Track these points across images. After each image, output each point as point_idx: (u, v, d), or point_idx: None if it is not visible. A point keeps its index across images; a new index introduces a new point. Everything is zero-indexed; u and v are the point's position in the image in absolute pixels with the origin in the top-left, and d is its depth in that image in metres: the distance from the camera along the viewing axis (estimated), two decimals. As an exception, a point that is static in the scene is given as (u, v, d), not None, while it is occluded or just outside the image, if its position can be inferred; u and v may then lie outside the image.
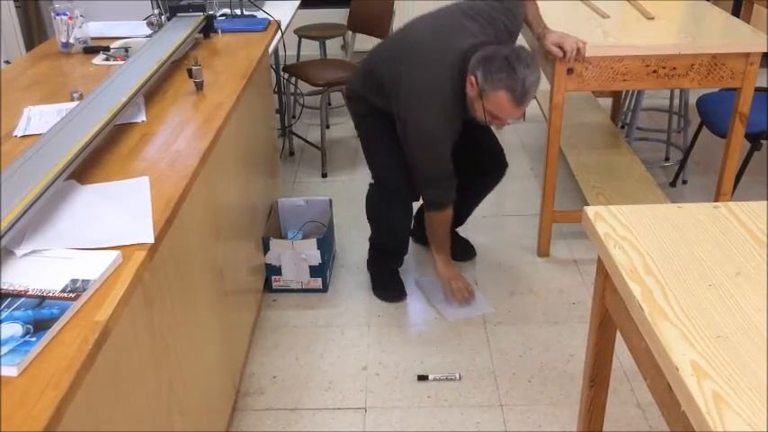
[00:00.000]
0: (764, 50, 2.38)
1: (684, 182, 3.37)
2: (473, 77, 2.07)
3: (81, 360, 0.98)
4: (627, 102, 3.82)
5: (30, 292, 1.11)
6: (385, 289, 2.59)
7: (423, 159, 2.23)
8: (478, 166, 2.52)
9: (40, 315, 1.05)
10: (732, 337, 1.02)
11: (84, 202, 1.38)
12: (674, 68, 2.41)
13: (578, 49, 2.34)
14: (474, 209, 2.76)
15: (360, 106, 2.41)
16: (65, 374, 0.95)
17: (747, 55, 2.38)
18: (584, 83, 2.46)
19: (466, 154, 2.41)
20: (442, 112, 2.14)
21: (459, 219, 2.76)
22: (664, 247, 1.25)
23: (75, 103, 1.81)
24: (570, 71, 2.42)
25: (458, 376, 2.18)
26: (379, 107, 2.31)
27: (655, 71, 2.42)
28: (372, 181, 2.50)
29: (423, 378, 2.18)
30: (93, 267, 1.16)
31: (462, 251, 2.81)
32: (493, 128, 2.35)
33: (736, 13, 4.36)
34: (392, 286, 2.61)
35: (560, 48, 2.35)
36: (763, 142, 2.75)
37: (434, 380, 2.18)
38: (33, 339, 1.00)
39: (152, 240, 1.26)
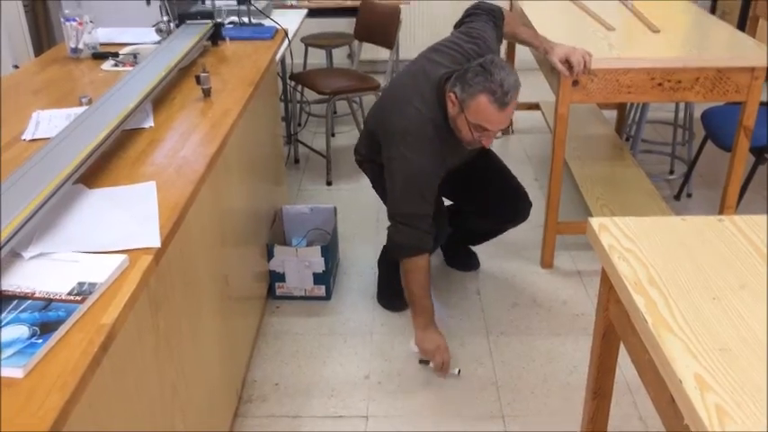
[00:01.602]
0: (770, 65, 2.38)
1: (689, 195, 3.37)
2: (452, 94, 2.05)
3: (86, 362, 0.99)
4: (632, 114, 3.82)
5: (36, 295, 1.11)
6: (389, 297, 2.59)
7: (406, 196, 2.13)
8: (498, 211, 2.53)
9: (47, 317, 1.06)
10: (736, 350, 1.02)
11: (92, 206, 1.39)
12: (679, 81, 2.42)
13: (585, 63, 2.34)
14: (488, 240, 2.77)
15: (371, 166, 2.42)
16: (70, 376, 0.96)
17: (752, 69, 2.39)
18: (590, 95, 2.47)
19: (483, 199, 2.48)
20: (426, 145, 2.10)
21: (471, 241, 2.79)
22: (668, 259, 1.25)
23: (84, 107, 1.83)
24: (575, 83, 2.43)
25: (457, 372, 2.19)
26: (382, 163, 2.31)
27: (660, 84, 2.42)
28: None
29: (424, 362, 2.22)
30: (100, 270, 1.17)
31: (466, 261, 2.81)
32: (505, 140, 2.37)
33: (741, 27, 4.37)
34: (397, 294, 2.60)
35: (567, 62, 2.35)
36: (768, 156, 2.76)
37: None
38: (40, 341, 1.01)
39: (158, 245, 1.27)
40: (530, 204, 2.53)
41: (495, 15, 2.36)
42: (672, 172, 3.60)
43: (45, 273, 1.17)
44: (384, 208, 2.41)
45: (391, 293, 2.60)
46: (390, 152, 2.15)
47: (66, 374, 0.96)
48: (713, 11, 5.00)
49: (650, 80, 2.42)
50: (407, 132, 2.11)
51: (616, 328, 1.37)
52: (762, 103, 2.49)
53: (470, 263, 2.81)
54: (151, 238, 1.28)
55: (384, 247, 2.65)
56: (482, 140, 2.10)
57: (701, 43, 2.59)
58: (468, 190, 2.50)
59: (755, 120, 2.48)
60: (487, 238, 2.76)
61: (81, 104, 1.90)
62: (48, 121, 1.80)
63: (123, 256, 1.21)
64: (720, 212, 2.66)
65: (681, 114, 3.58)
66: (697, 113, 3.23)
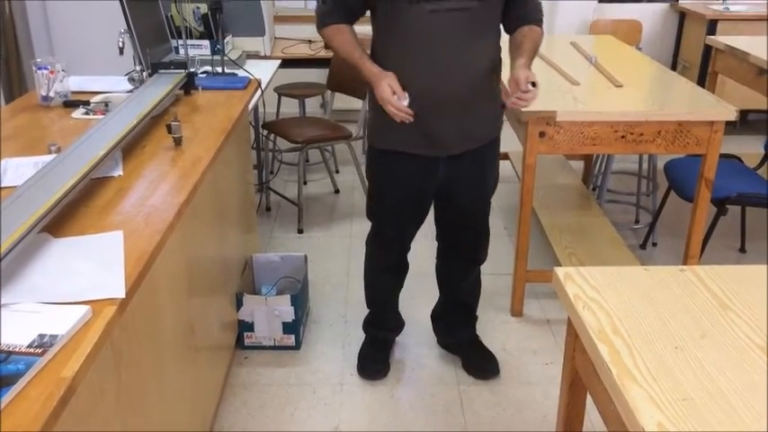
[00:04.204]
0: (728, 119, 2.47)
1: (654, 244, 3.43)
2: None
3: (45, 417, 0.96)
4: (598, 165, 3.91)
5: (-5, 347, 1.09)
6: (365, 363, 2.49)
7: None
8: (456, 247, 2.40)
9: (6, 371, 1.03)
10: (698, 399, 1.03)
11: (57, 256, 1.37)
12: (642, 134, 2.49)
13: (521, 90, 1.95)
14: (472, 295, 2.52)
15: None
16: (27, 432, 0.93)
17: (712, 123, 2.47)
18: (556, 146, 2.52)
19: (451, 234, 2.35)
20: None
21: (465, 309, 2.54)
22: (631, 308, 1.27)
23: (53, 155, 1.82)
24: (542, 134, 2.49)
25: (405, 98, 1.97)
26: None
27: (623, 136, 2.49)
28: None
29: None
30: (62, 322, 1.15)
31: (483, 366, 2.48)
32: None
33: (701, 82, 4.54)
34: (372, 360, 2.50)
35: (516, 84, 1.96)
36: (729, 207, 2.83)
37: None
38: (-3, 395, 0.98)
39: (123, 295, 1.26)
40: (480, 255, 2.42)
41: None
42: (637, 221, 3.67)
43: (6, 324, 1.15)
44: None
45: (367, 360, 2.50)
46: None
47: (23, 430, 0.94)
48: (674, 67, 5.20)
49: (614, 133, 2.49)
50: None
51: (582, 378, 1.38)
52: (721, 156, 2.57)
53: (488, 368, 2.48)
54: (116, 288, 1.26)
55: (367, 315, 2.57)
56: None
57: (663, 98, 2.69)
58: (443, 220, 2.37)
59: (716, 172, 2.55)
60: (467, 290, 2.51)
61: (50, 152, 1.89)
62: (15, 169, 1.78)
63: (86, 308, 1.19)
64: (684, 262, 2.71)
65: (645, 165, 3.68)
66: (660, 165, 3.32)
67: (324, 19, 2.11)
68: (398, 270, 2.44)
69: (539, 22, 2.10)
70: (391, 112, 1.98)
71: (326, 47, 4.27)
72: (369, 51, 2.11)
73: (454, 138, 2.08)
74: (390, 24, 1.99)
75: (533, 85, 1.92)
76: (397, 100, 1.96)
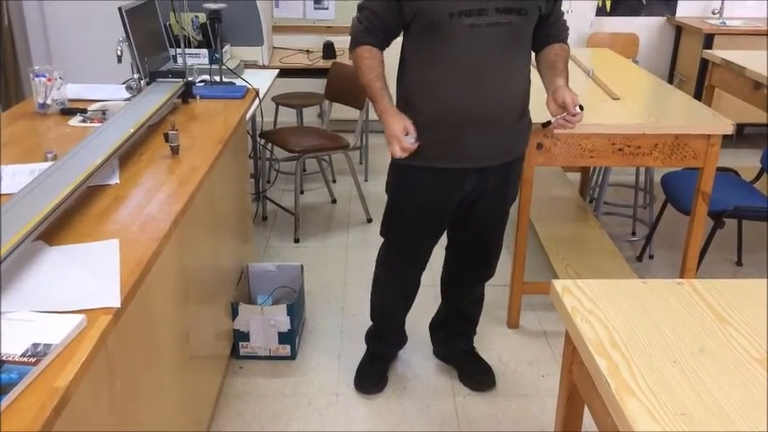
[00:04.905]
0: (725, 133, 2.47)
1: (651, 256, 3.43)
2: None
3: (38, 427, 0.95)
4: (595, 177, 3.92)
5: (-11, 356, 1.08)
6: (362, 377, 2.46)
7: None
8: (466, 258, 2.39)
9: (-1, 380, 1.02)
10: (696, 414, 1.03)
11: (52, 264, 1.37)
12: (639, 147, 2.49)
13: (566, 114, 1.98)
14: (475, 308, 2.52)
15: None
16: (20, 443, 0.92)
17: (709, 136, 2.48)
18: (554, 158, 2.53)
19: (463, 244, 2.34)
20: None
21: (466, 321, 2.54)
22: (629, 321, 1.26)
23: (49, 163, 1.81)
24: (540, 146, 2.49)
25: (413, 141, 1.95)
26: None
27: (620, 149, 2.50)
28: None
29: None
30: (56, 331, 1.14)
31: (479, 378, 2.48)
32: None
33: (697, 96, 4.56)
34: (369, 375, 2.47)
35: (562, 105, 1.97)
36: (726, 220, 2.83)
37: None
38: (-11, 405, 0.97)
39: (118, 304, 1.25)
40: (487, 269, 2.43)
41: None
42: (634, 234, 3.67)
43: (-1, 332, 1.14)
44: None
45: (365, 373, 2.48)
46: None
47: (15, 440, 0.93)
48: (670, 80, 5.22)
49: (611, 145, 2.50)
50: None
51: (580, 390, 1.38)
52: (719, 169, 2.57)
53: (482, 380, 2.48)
54: (111, 297, 1.26)
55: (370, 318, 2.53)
56: None
57: (660, 111, 2.69)
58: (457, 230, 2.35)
59: (713, 185, 2.56)
60: (470, 302, 2.51)
61: (46, 160, 1.89)
62: (11, 177, 1.78)
63: (81, 316, 1.18)
64: (681, 275, 2.71)
65: (641, 178, 3.68)
66: (657, 177, 3.32)
67: (359, 38, 2.04)
68: (411, 290, 2.40)
69: (565, 40, 2.13)
70: (394, 150, 1.95)
71: (323, 58, 4.28)
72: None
73: (486, 151, 2.06)
74: (428, 39, 1.96)
75: (581, 108, 1.95)
76: (406, 140, 1.94)
